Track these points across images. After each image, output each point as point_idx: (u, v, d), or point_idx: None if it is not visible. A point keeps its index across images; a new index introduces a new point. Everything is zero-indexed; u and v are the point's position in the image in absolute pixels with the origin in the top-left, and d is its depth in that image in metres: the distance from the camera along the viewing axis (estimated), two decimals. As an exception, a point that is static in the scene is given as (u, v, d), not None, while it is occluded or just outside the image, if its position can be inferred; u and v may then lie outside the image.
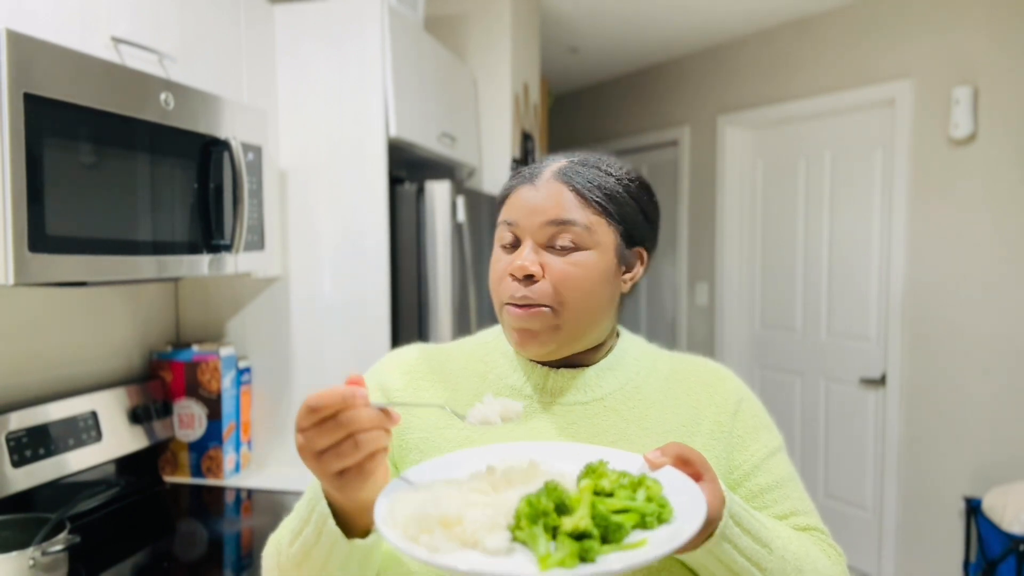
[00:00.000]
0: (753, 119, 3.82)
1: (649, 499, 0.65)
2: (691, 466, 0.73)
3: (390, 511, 0.67)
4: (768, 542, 0.79)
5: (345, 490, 0.69)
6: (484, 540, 0.63)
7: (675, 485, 0.69)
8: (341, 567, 0.76)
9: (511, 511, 0.65)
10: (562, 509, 0.64)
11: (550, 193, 0.88)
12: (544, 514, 0.62)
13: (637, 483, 0.67)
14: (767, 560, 0.78)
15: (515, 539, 0.63)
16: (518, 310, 0.87)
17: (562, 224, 0.87)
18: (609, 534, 0.61)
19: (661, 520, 0.64)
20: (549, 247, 0.88)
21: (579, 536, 0.61)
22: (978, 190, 2.91)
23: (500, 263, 0.91)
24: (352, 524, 0.75)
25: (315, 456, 0.67)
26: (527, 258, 0.87)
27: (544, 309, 0.87)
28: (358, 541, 0.74)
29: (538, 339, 0.88)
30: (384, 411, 0.68)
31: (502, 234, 0.92)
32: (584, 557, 0.59)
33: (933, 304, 3.08)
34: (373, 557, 0.79)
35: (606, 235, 0.89)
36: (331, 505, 0.75)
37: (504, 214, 0.92)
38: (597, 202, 0.88)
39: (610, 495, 0.66)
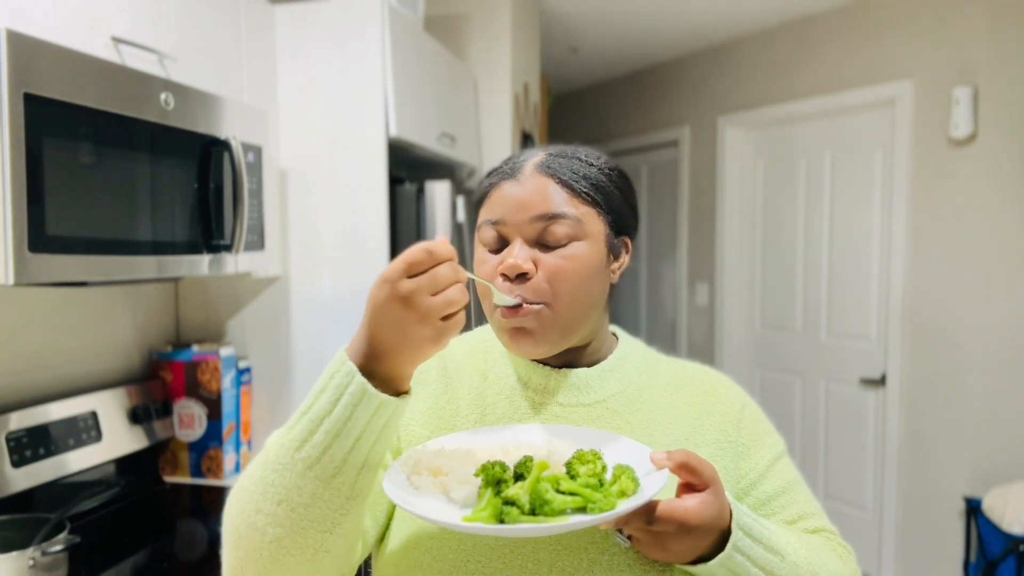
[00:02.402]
0: (753, 119, 3.82)
1: (622, 493, 0.71)
2: (697, 476, 0.72)
3: (408, 454, 0.79)
4: (779, 549, 0.78)
5: (443, 337, 0.71)
6: (452, 490, 0.74)
7: (653, 487, 0.70)
8: (357, 438, 0.70)
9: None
10: (523, 480, 0.73)
11: (536, 187, 0.85)
12: (498, 481, 0.72)
13: (616, 476, 0.72)
14: (780, 568, 0.78)
15: (480, 496, 0.72)
16: (511, 311, 0.84)
17: (552, 218, 0.84)
18: (537, 508, 0.70)
19: (602, 510, 0.69)
20: (539, 243, 0.85)
21: (510, 502, 0.70)
22: (978, 190, 2.91)
23: (486, 264, 0.87)
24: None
25: (422, 302, 0.68)
26: (519, 255, 0.83)
27: (538, 307, 0.83)
28: (389, 397, 0.70)
29: (532, 337, 0.84)
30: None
31: (485, 234, 0.88)
32: (503, 519, 0.69)
33: (933, 304, 3.08)
34: (388, 435, 0.72)
35: (596, 225, 0.87)
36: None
37: (486, 213, 0.88)
38: (586, 193, 0.86)
39: (573, 478, 0.73)
